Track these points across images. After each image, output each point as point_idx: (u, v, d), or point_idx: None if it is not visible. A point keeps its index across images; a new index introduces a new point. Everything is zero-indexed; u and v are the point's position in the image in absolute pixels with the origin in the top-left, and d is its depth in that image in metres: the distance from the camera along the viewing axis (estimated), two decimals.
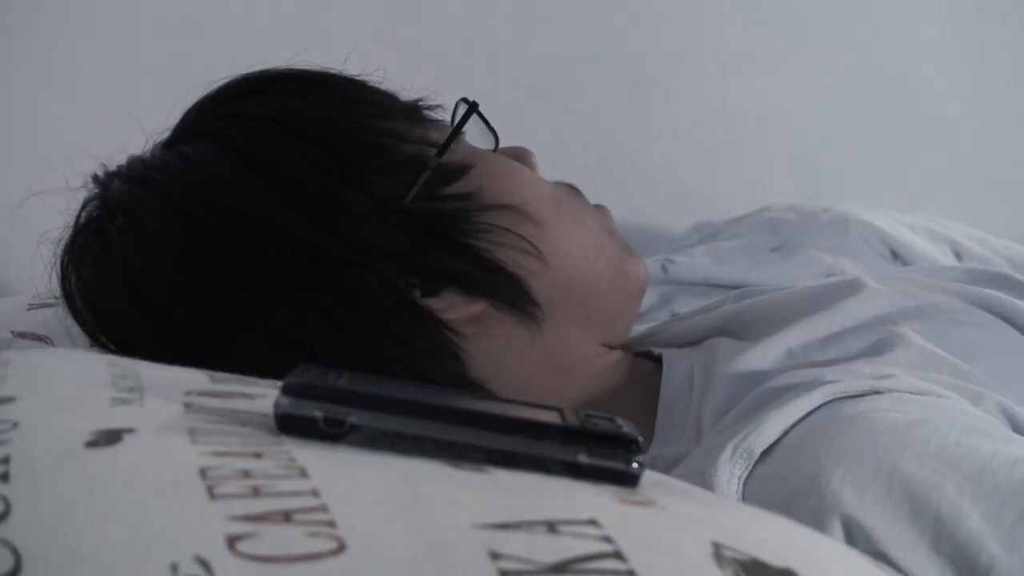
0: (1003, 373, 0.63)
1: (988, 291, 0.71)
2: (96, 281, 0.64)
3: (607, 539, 0.32)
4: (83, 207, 0.66)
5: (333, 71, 0.68)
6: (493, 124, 0.72)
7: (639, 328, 0.85)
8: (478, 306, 0.65)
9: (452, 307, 0.64)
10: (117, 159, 0.66)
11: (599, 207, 0.74)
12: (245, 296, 0.61)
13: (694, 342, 0.75)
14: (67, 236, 0.66)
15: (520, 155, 0.73)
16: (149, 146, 0.67)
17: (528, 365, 0.67)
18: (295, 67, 0.68)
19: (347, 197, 0.63)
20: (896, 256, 1.06)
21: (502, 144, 0.74)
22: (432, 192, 0.65)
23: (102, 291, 0.63)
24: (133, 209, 0.63)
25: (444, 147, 0.66)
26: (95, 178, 0.66)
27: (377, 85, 0.69)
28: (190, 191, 0.62)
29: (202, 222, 0.61)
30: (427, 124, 0.68)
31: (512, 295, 0.65)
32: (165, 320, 0.61)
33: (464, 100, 0.70)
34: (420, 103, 0.69)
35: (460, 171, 0.66)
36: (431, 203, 0.64)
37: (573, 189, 0.74)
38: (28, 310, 0.79)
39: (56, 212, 0.66)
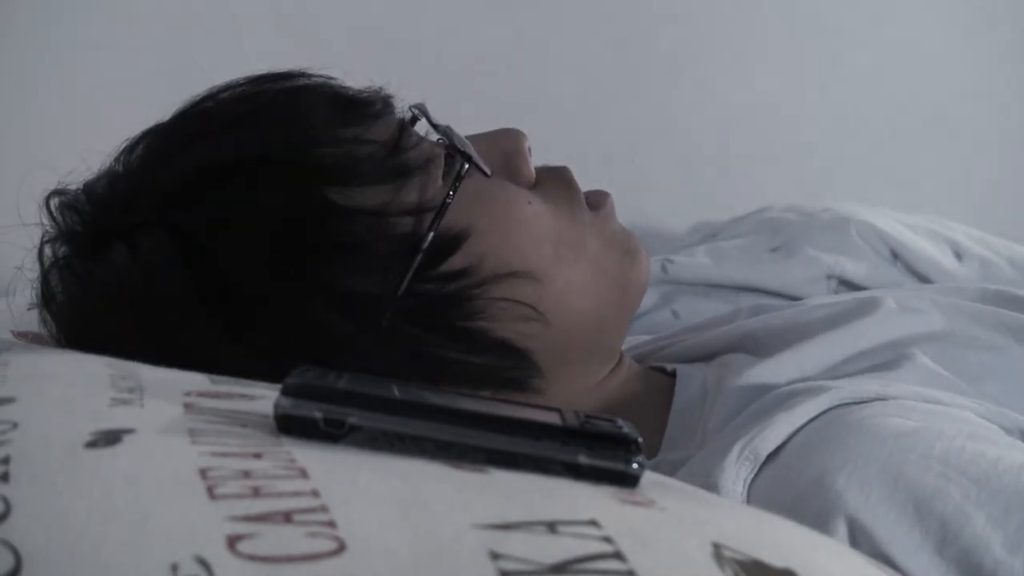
0: (1012, 395, 0.62)
1: (1003, 311, 0.71)
2: (70, 318, 0.62)
3: (607, 539, 0.32)
4: (43, 241, 0.63)
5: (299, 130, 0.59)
6: (494, 124, 0.67)
7: (643, 337, 0.85)
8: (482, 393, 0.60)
9: None
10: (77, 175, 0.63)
11: (599, 194, 0.68)
12: None
13: (707, 357, 0.74)
14: (38, 277, 0.63)
15: (510, 157, 0.66)
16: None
17: None
18: (263, 147, 0.58)
19: (330, 322, 0.57)
20: (896, 256, 1.06)
21: (491, 127, 0.67)
22: (425, 274, 0.59)
23: (74, 329, 0.61)
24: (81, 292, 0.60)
25: (435, 220, 0.59)
26: (50, 213, 0.63)
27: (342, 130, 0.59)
28: (141, 310, 0.57)
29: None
30: (412, 172, 0.60)
31: (515, 377, 0.62)
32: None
33: (414, 107, 0.63)
34: (403, 125, 0.62)
35: (456, 242, 0.60)
36: (426, 287, 0.59)
37: (564, 179, 0.67)
38: (28, 310, 0.79)
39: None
